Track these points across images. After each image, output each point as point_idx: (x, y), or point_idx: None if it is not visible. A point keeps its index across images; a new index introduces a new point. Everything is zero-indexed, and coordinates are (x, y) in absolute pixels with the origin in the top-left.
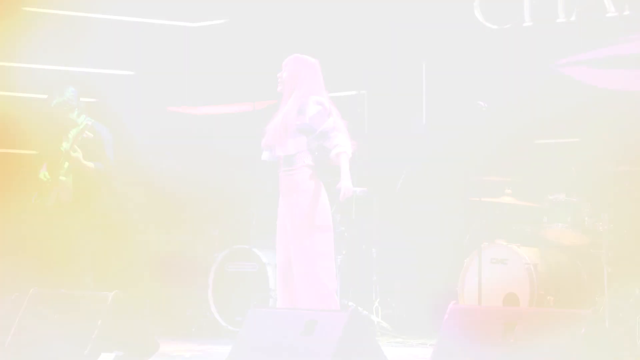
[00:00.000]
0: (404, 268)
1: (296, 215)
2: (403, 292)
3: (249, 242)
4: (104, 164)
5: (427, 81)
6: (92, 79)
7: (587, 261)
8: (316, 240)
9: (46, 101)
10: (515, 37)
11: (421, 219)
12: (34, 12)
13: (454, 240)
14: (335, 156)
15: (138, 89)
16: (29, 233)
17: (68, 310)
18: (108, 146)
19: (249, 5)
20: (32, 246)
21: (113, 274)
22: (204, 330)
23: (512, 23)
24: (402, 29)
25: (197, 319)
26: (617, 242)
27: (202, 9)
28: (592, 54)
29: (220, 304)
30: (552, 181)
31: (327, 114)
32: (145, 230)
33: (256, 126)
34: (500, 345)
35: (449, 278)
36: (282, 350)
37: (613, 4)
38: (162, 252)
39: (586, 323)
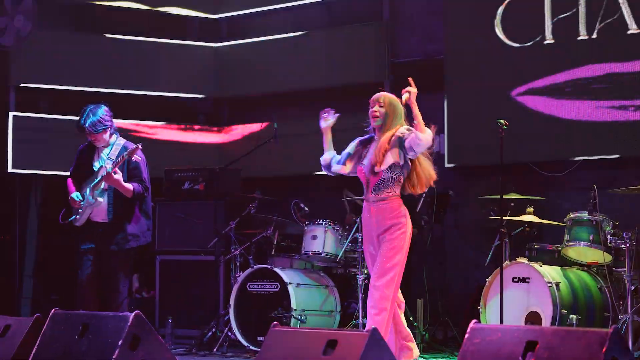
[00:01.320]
0: (427, 287)
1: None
2: (426, 311)
3: (270, 262)
4: (141, 185)
5: (448, 96)
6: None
7: (609, 280)
8: None
9: (79, 120)
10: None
11: (443, 237)
12: None
13: (476, 259)
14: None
15: None
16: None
17: (89, 331)
18: (144, 167)
19: None
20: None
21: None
22: (225, 349)
23: (533, 40)
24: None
25: (219, 338)
26: None
27: None
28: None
29: (242, 324)
30: (574, 199)
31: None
32: (169, 251)
33: None
34: None
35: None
36: None
37: (635, 20)
38: (185, 271)
39: (607, 342)
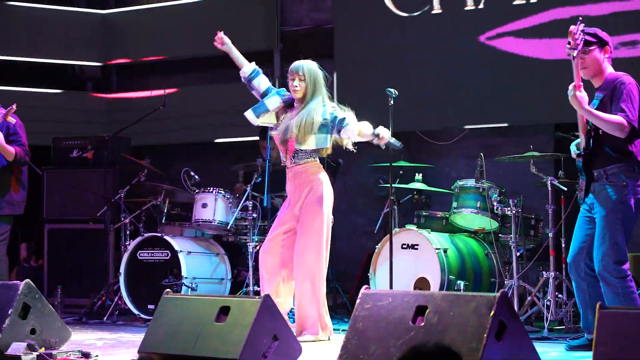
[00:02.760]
0: None
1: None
2: None
3: (161, 230)
4: (23, 149)
5: (337, 65)
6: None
7: (496, 246)
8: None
9: None
10: (424, 24)
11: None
12: None
13: (366, 226)
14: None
15: None
16: None
17: None
18: (23, 133)
19: None
20: None
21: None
22: (116, 318)
23: (421, 10)
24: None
25: (109, 307)
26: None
27: None
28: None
29: (133, 292)
30: (461, 167)
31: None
32: (58, 220)
33: None
34: (411, 328)
35: (360, 264)
36: (196, 336)
37: None
38: (74, 240)
39: (495, 306)
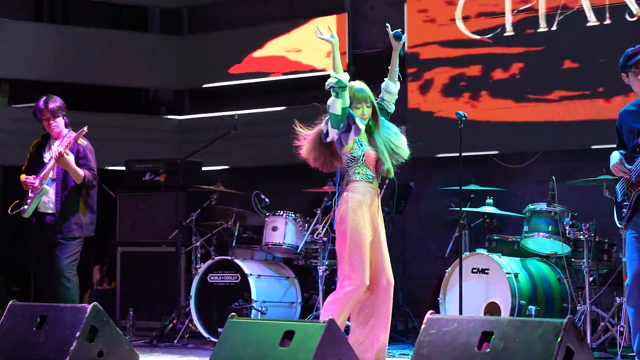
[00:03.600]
0: None
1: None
2: None
3: (231, 253)
4: (91, 173)
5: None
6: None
7: (568, 271)
8: None
9: (38, 104)
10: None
11: (403, 228)
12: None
13: (437, 250)
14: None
15: None
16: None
17: (46, 322)
18: (93, 157)
19: None
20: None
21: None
22: (186, 341)
23: (493, 33)
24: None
25: (180, 330)
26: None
27: None
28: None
29: (203, 315)
30: (533, 191)
31: None
32: (130, 242)
33: None
34: (476, 354)
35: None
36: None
37: (594, 13)
38: (146, 262)
39: (562, 332)
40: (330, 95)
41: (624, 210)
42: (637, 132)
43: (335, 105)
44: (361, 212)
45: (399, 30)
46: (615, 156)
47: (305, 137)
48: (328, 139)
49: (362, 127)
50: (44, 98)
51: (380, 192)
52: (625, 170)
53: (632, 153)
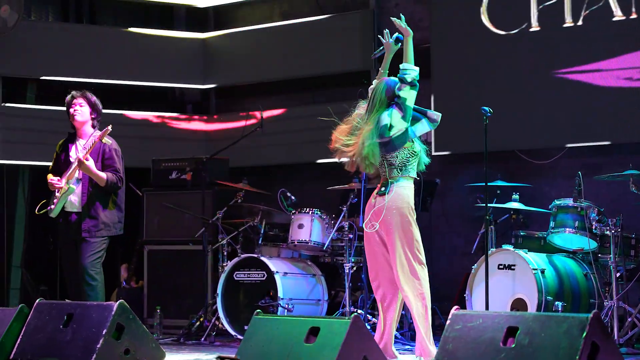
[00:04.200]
0: None
1: None
2: None
3: (258, 251)
4: (116, 175)
5: (434, 84)
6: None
7: (595, 266)
8: None
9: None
10: (523, 42)
11: (430, 225)
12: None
13: (464, 246)
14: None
15: None
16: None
17: (73, 320)
18: (119, 159)
19: None
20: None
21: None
22: (213, 339)
23: (519, 28)
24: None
25: (207, 328)
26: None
27: None
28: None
29: (230, 313)
30: (559, 186)
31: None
32: (157, 241)
33: None
34: (501, 350)
35: (458, 284)
36: (285, 356)
37: (620, 7)
38: (173, 261)
39: (587, 327)
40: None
41: None
42: None
43: (413, 97)
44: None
45: (400, 35)
46: None
47: (351, 139)
48: (393, 133)
49: (438, 116)
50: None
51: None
52: None
53: None
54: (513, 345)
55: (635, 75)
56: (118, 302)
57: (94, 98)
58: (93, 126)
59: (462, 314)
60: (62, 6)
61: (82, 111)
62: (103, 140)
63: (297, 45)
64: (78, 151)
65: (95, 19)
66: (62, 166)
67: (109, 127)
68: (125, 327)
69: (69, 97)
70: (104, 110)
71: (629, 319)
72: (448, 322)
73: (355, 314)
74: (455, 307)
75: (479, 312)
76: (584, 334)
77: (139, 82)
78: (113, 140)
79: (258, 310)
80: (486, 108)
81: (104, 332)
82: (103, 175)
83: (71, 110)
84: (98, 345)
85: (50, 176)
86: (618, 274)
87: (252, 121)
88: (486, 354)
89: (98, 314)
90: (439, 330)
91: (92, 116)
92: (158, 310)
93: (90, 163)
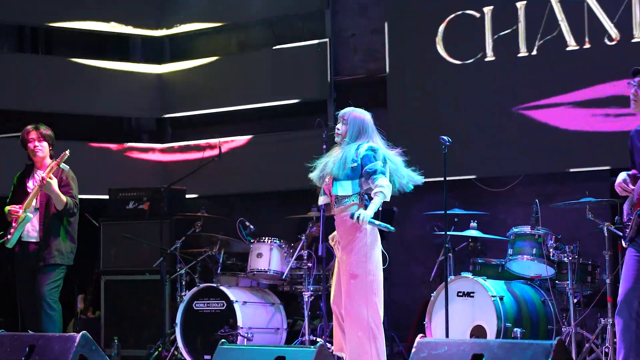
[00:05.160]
0: None
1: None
2: None
3: (216, 280)
4: (73, 200)
5: (390, 113)
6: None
7: (552, 293)
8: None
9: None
10: (479, 72)
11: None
12: None
13: (422, 274)
14: (373, 195)
15: None
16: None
17: (35, 352)
18: (75, 186)
19: None
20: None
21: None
22: None
23: (474, 58)
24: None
25: (165, 358)
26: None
27: None
28: (552, 99)
29: (189, 343)
30: (516, 214)
31: (376, 158)
32: (114, 271)
33: None
34: None
35: (416, 312)
36: None
37: (574, 38)
38: (130, 291)
39: (552, 353)
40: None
41: (626, 230)
42: None
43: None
44: None
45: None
46: (621, 175)
47: None
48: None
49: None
50: (34, 124)
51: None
52: (628, 190)
53: None
54: None
55: (590, 107)
56: (81, 333)
57: (48, 131)
58: (51, 157)
59: (427, 342)
60: (18, 36)
61: (42, 146)
62: (60, 166)
63: (254, 75)
64: (37, 181)
65: (52, 49)
66: (20, 197)
67: (67, 152)
68: (88, 358)
69: (24, 133)
70: (60, 141)
71: (587, 345)
72: (413, 350)
73: (321, 342)
74: (420, 335)
75: (444, 340)
76: None
77: (95, 113)
78: (69, 169)
79: (223, 340)
80: (445, 137)
81: None
82: (63, 197)
83: (30, 146)
84: None
85: (7, 207)
86: (575, 300)
87: (209, 151)
88: None
89: (60, 346)
90: (398, 358)
91: (50, 148)
92: (116, 341)
93: (54, 182)
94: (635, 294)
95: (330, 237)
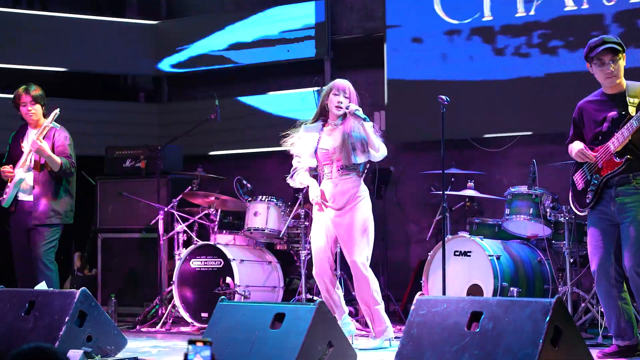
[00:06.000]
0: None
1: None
2: None
3: (213, 238)
4: (69, 160)
5: (388, 73)
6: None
7: (549, 253)
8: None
9: (20, 90)
10: (476, 31)
11: (384, 212)
12: None
13: (418, 234)
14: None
15: None
16: None
17: (35, 308)
18: (71, 145)
19: None
20: None
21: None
22: (169, 326)
23: (472, 17)
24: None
25: (162, 315)
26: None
27: None
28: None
29: (186, 300)
30: (514, 174)
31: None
32: (111, 229)
33: None
34: (465, 334)
35: (412, 271)
36: (251, 342)
37: None
38: (127, 249)
39: (550, 311)
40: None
41: (589, 196)
42: (601, 121)
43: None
44: None
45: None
46: (578, 143)
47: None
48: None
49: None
50: (24, 85)
51: (362, 176)
52: (590, 156)
53: (592, 143)
54: (477, 330)
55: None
56: (80, 289)
57: (38, 91)
58: (45, 116)
59: (427, 299)
60: None
61: (35, 109)
62: (52, 125)
63: (249, 32)
64: (30, 141)
65: (47, 5)
66: (15, 157)
67: (57, 110)
68: (88, 314)
69: (15, 97)
70: (57, 98)
71: (583, 305)
72: (412, 307)
73: (320, 300)
74: (420, 292)
75: (444, 298)
76: (547, 318)
77: (92, 70)
78: (63, 128)
79: (222, 297)
80: (443, 97)
81: (66, 320)
82: (58, 159)
83: (23, 110)
84: (61, 333)
85: (3, 167)
86: (572, 260)
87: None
88: (451, 338)
89: (60, 302)
90: (394, 317)
91: (43, 108)
92: (112, 298)
93: (45, 145)
94: (609, 262)
95: (315, 195)
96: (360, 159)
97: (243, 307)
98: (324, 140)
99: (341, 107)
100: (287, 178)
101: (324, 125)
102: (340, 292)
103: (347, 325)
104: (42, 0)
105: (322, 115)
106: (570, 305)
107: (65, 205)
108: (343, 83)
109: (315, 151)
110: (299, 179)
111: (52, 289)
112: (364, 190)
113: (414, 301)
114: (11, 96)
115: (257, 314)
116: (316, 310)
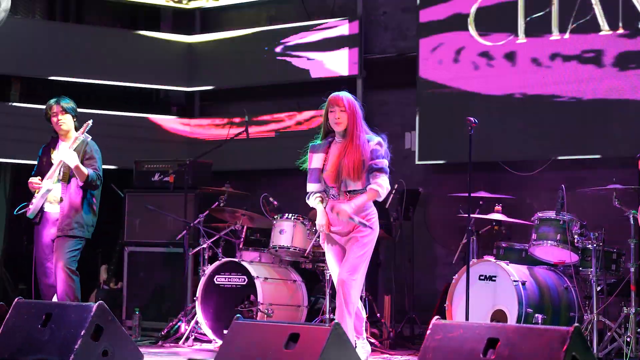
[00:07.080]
0: (395, 284)
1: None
2: (394, 307)
3: (239, 255)
4: (96, 173)
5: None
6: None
7: (575, 280)
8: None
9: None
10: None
11: (412, 234)
12: None
13: (445, 256)
14: (368, 188)
15: None
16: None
17: (52, 320)
18: (99, 159)
19: None
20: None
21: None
22: (192, 342)
23: (506, 40)
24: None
25: (185, 331)
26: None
27: None
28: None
29: (209, 317)
30: (542, 198)
31: (383, 155)
32: (138, 242)
33: None
34: None
35: (439, 294)
36: None
37: (607, 22)
38: (153, 263)
39: (568, 340)
40: None
41: None
42: None
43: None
44: None
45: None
46: None
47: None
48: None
49: None
50: (56, 97)
51: (390, 197)
52: None
53: None
54: (493, 357)
55: (623, 88)
56: (97, 303)
57: (70, 103)
58: (76, 128)
59: (443, 324)
60: (49, 4)
61: (65, 120)
62: (83, 136)
63: (284, 49)
64: (60, 153)
65: (82, 18)
66: (44, 169)
67: (89, 122)
68: (104, 328)
69: (46, 108)
70: (88, 111)
71: (609, 334)
72: (428, 331)
73: (336, 321)
74: (436, 317)
75: (460, 323)
76: (565, 347)
77: (124, 83)
78: (93, 141)
79: (238, 315)
80: (472, 118)
81: (82, 333)
82: (85, 170)
83: (53, 120)
84: (76, 346)
85: (31, 179)
86: (599, 288)
87: (236, 128)
88: None
89: (77, 315)
90: (419, 340)
91: (74, 120)
92: (137, 312)
93: (74, 155)
94: None
95: (323, 224)
96: (357, 185)
97: (258, 326)
98: (330, 161)
99: (339, 123)
100: (306, 199)
101: (331, 143)
102: (363, 314)
103: (365, 346)
104: (78, 12)
105: (329, 132)
106: (596, 334)
107: (88, 220)
108: (336, 97)
109: (321, 173)
110: (310, 203)
111: (68, 302)
112: (371, 214)
113: (430, 325)
114: (43, 107)
115: (272, 334)
116: (331, 332)
